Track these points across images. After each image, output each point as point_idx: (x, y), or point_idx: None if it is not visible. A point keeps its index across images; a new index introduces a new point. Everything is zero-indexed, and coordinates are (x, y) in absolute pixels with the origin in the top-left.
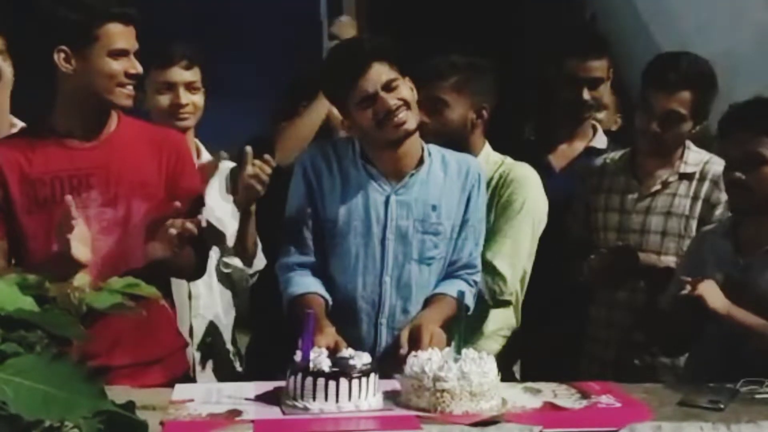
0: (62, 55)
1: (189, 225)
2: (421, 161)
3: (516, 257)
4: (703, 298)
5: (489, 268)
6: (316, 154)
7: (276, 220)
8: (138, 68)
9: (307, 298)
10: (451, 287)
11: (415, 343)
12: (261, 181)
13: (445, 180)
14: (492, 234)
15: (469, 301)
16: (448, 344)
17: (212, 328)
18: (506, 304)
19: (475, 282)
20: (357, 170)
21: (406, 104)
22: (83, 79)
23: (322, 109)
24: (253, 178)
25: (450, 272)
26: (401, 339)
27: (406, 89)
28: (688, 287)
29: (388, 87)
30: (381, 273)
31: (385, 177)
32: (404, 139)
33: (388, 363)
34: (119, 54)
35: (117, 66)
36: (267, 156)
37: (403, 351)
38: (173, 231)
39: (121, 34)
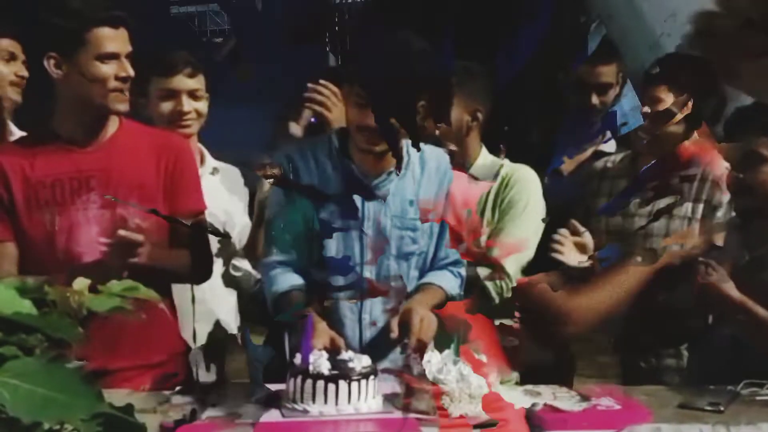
0: (52, 61)
1: (123, 233)
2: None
3: (521, 255)
4: (718, 286)
5: (494, 267)
6: (294, 152)
7: None
8: (129, 71)
9: (292, 295)
10: (439, 278)
11: (406, 327)
12: None
13: (423, 174)
14: (496, 233)
15: (455, 291)
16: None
17: (216, 333)
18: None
19: (460, 274)
20: (335, 167)
21: None
22: (75, 84)
23: None
24: None
25: (437, 267)
26: (392, 324)
27: None
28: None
29: None
30: (360, 269)
31: (363, 174)
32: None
33: (375, 351)
34: (108, 57)
35: (106, 69)
36: None
37: (394, 335)
38: (121, 233)
39: (109, 38)
